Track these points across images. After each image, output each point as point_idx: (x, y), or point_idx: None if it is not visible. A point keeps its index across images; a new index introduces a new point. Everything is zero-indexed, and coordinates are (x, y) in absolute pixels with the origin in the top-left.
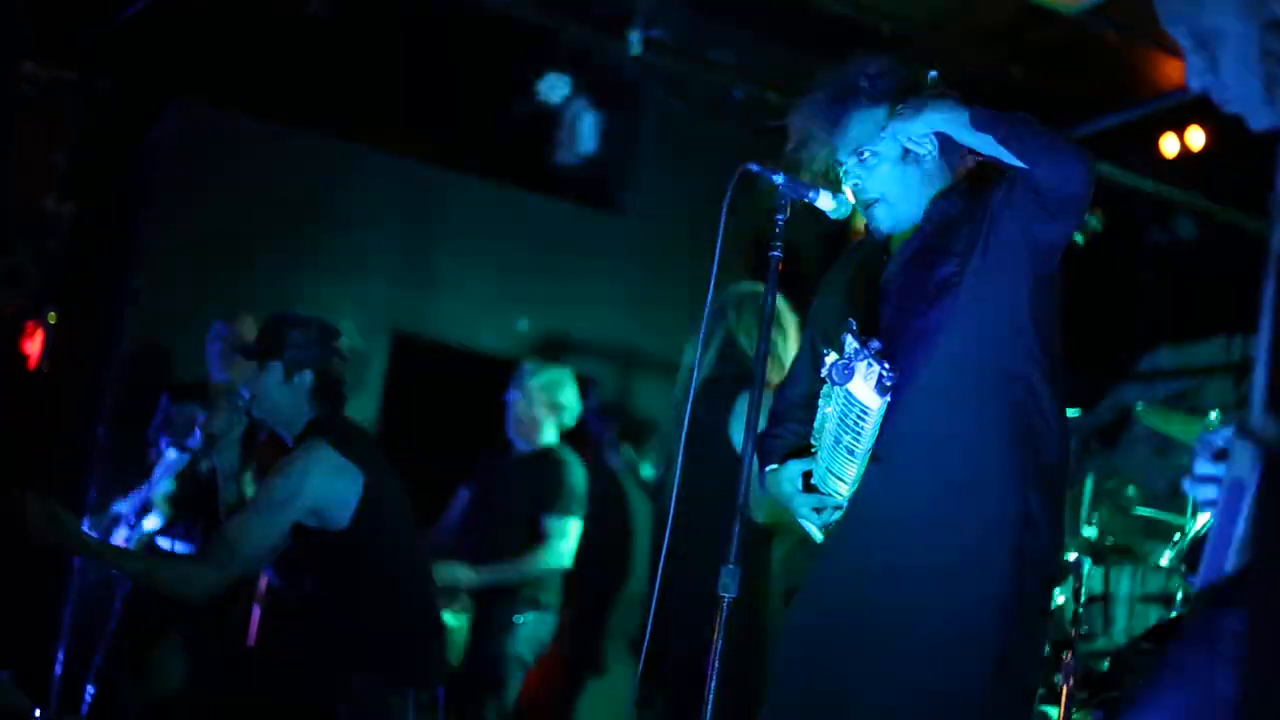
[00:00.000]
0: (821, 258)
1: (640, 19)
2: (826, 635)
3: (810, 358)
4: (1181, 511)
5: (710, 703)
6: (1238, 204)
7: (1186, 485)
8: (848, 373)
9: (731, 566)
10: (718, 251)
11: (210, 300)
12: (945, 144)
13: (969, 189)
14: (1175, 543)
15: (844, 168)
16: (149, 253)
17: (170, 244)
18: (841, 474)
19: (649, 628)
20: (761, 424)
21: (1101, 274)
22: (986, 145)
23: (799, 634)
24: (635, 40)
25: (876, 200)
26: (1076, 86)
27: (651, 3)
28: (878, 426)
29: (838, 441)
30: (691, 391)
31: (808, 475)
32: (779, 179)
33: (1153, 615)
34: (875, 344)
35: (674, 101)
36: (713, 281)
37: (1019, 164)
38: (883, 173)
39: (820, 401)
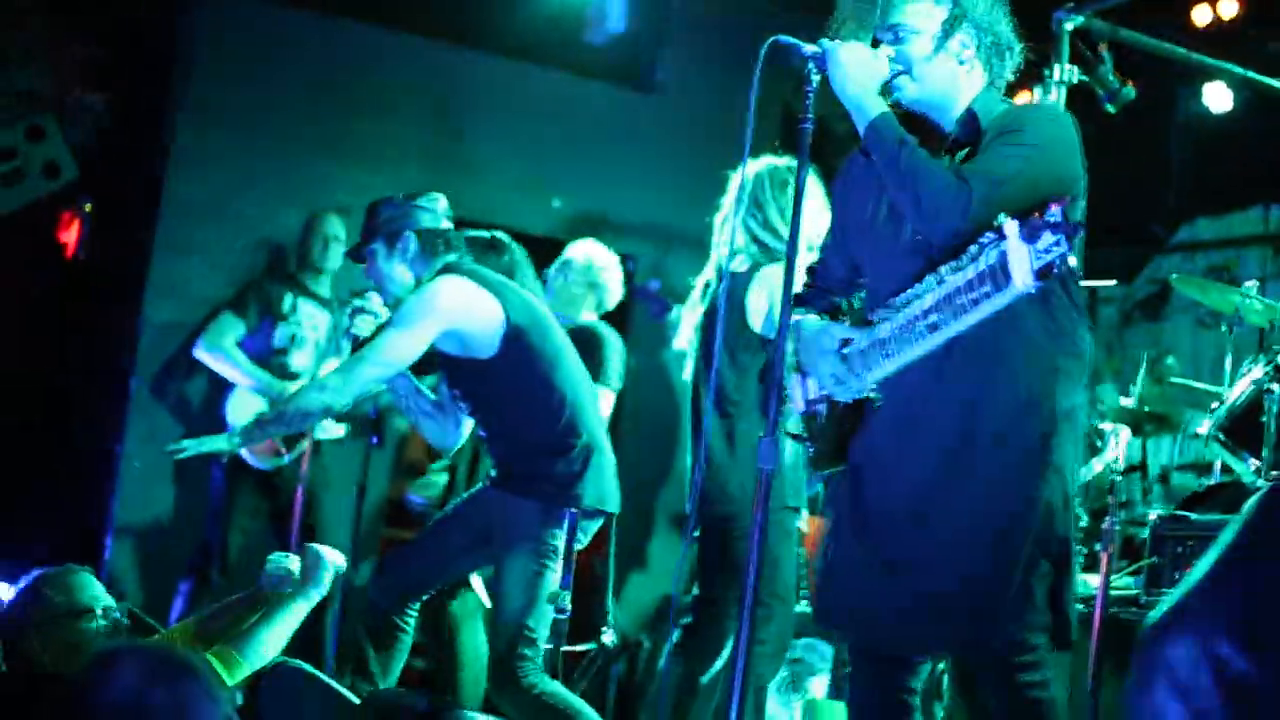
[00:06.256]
0: (851, 131)
1: None
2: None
3: (839, 242)
4: (1219, 381)
5: (753, 576)
6: (1271, 72)
7: None
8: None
9: (769, 439)
10: (749, 126)
11: (244, 188)
12: (994, 48)
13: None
14: (1213, 411)
15: (881, 44)
16: (183, 141)
17: (204, 133)
18: (899, 351)
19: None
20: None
21: (1136, 146)
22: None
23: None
24: None
25: (902, 71)
26: None
27: None
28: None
29: (926, 315)
30: (726, 272)
31: (846, 342)
32: (808, 51)
33: (1190, 483)
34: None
35: None
36: (745, 156)
37: None
38: (915, 48)
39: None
